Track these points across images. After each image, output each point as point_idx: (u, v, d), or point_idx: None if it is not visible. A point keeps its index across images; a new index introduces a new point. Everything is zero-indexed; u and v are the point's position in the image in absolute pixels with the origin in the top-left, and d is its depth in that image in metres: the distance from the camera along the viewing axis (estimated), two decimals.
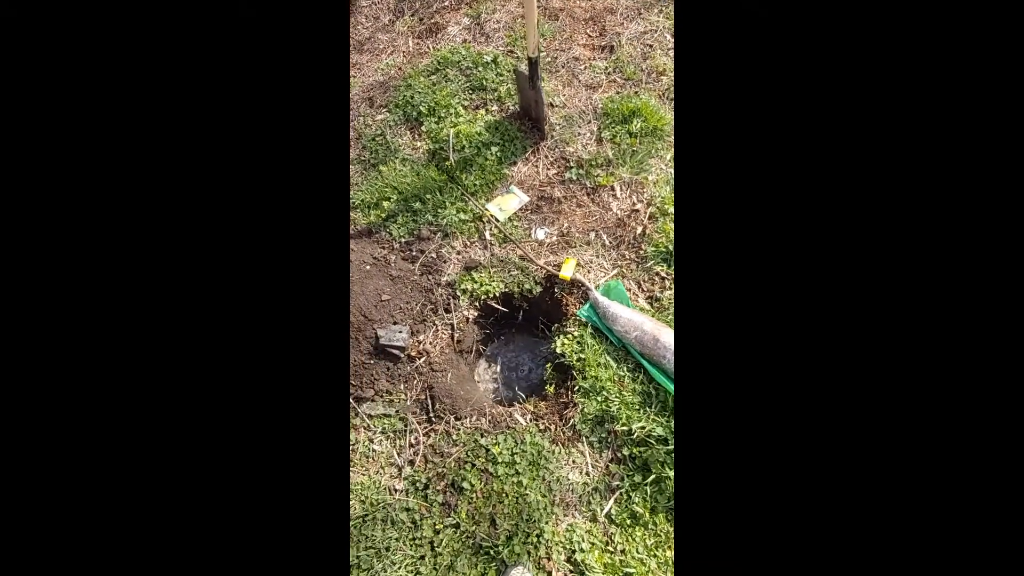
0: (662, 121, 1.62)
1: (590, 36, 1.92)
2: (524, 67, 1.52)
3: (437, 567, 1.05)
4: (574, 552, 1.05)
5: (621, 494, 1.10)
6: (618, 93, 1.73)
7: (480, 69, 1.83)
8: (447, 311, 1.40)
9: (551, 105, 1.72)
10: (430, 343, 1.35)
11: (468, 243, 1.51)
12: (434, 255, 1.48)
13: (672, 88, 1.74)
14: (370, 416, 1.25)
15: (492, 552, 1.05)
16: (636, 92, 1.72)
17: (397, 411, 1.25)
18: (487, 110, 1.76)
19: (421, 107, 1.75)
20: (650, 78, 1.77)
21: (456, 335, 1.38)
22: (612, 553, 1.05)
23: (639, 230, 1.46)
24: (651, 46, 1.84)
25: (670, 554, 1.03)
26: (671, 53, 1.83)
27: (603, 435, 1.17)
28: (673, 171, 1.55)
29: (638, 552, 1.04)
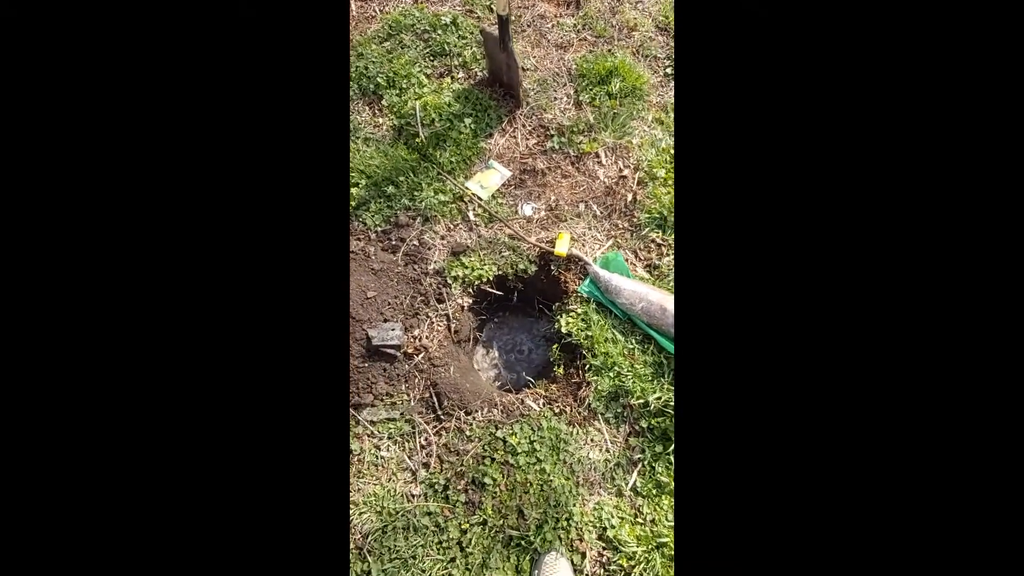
0: (640, 80, 1.56)
1: None
2: (489, 27, 1.39)
3: (469, 567, 1.01)
4: (605, 529, 1.05)
5: (644, 466, 1.11)
6: (591, 52, 1.64)
7: (439, 32, 1.66)
8: (440, 301, 1.31)
9: (522, 69, 1.60)
10: (426, 337, 1.26)
11: (451, 226, 1.40)
12: (416, 242, 1.37)
13: (645, 44, 1.66)
14: (373, 422, 1.17)
15: (524, 543, 1.03)
16: (610, 50, 1.64)
17: (402, 413, 1.17)
18: (453, 78, 1.61)
19: (378, 79, 1.58)
20: (622, 34, 1.68)
21: (453, 325, 1.30)
22: (642, 524, 1.06)
23: (629, 197, 1.41)
24: (620, 0, 1.74)
25: None
26: (640, 7, 1.74)
27: (619, 410, 1.16)
28: (657, 133, 1.51)
29: (668, 520, 1.05)
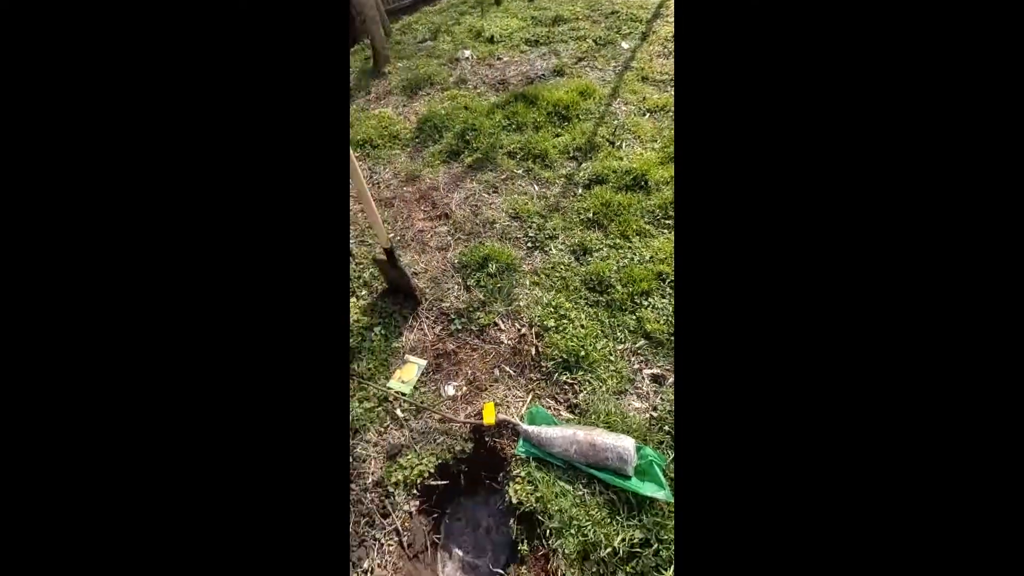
0: (511, 257, 1.93)
1: (425, 211, 2.27)
2: (379, 255, 1.70)
3: None
4: None
5: None
6: (466, 247, 2.03)
7: None
8: (385, 515, 1.26)
9: (415, 274, 1.91)
10: (378, 565, 1.16)
11: (382, 430, 1.44)
12: (349, 459, 1.36)
13: (505, 231, 2.12)
14: None
15: None
16: (480, 242, 2.04)
17: None
18: (357, 296, 1.85)
19: None
20: (485, 228, 2.13)
21: (405, 538, 1.23)
22: None
23: (532, 351, 1.61)
24: (477, 205, 2.25)
25: None
26: (492, 206, 2.26)
27: (594, 569, 1.12)
28: (538, 292, 1.82)
29: None
